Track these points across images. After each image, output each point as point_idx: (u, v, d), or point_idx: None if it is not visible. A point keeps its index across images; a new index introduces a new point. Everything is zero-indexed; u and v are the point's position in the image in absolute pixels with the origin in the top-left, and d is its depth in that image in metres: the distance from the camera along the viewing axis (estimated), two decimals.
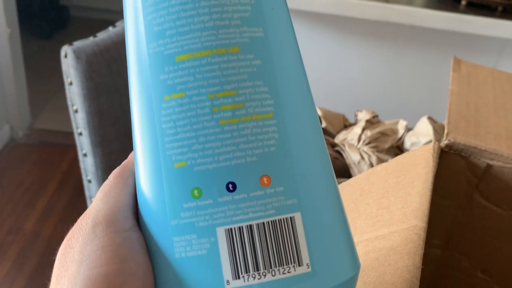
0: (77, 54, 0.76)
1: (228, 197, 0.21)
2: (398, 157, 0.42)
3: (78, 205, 1.51)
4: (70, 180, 1.66)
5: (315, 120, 0.23)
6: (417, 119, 0.83)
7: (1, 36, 1.69)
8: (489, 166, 0.40)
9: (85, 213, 0.22)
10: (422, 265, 0.28)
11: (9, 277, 1.33)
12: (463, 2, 1.32)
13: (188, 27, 0.21)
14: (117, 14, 2.79)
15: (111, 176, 0.23)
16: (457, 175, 0.41)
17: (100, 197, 0.22)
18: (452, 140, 0.40)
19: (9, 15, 1.72)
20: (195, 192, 0.21)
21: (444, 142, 0.40)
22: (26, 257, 1.39)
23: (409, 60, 1.40)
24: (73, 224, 0.23)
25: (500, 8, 1.30)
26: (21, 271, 1.35)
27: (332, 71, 1.41)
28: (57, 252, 0.22)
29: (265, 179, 0.21)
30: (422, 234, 0.29)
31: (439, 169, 0.41)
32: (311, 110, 0.23)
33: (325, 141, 0.24)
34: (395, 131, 0.80)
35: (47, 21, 2.52)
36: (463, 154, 0.40)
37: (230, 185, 0.21)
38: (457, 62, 0.52)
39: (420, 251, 0.28)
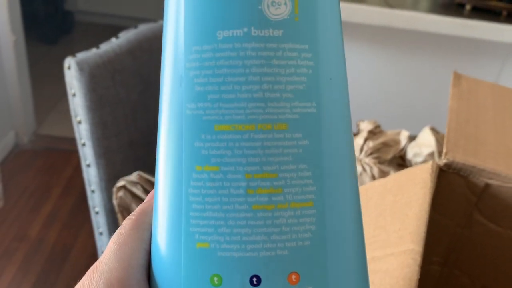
0: (80, 66, 0.77)
1: None
2: (397, 173, 0.42)
3: (82, 211, 1.52)
4: (75, 186, 1.67)
5: (357, 209, 0.21)
6: (421, 127, 0.83)
7: (6, 43, 1.70)
8: (487, 185, 0.40)
9: (96, 266, 0.21)
10: (421, 282, 0.28)
11: (14, 283, 1.34)
12: (467, 7, 1.31)
13: (233, 94, 0.19)
14: (122, 19, 2.81)
15: (127, 225, 0.22)
16: (456, 194, 0.41)
17: (114, 250, 0.21)
18: (450, 159, 0.40)
19: (14, 22, 1.74)
20: (215, 279, 0.19)
21: (442, 161, 0.40)
22: (31, 263, 1.40)
23: (413, 66, 1.40)
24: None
25: (504, 13, 1.29)
26: (26, 277, 1.35)
27: None
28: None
29: (293, 277, 0.19)
30: (418, 259, 0.29)
31: (438, 188, 0.41)
32: (354, 197, 0.21)
33: (363, 230, 0.21)
34: (397, 142, 0.80)
35: (52, 27, 2.54)
36: (461, 173, 0.40)
37: (255, 279, 0.19)
38: (457, 77, 0.52)
39: (415, 277, 0.28)
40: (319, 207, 0.19)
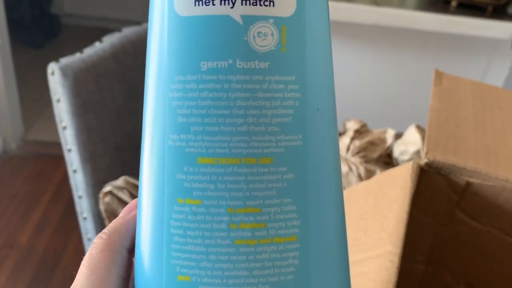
0: (64, 71, 0.76)
1: None
2: (379, 175, 0.42)
3: (72, 216, 1.51)
4: (64, 191, 1.66)
5: (342, 241, 0.21)
6: (408, 124, 0.83)
7: None
8: (468, 184, 0.40)
9: None
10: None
11: None
12: (453, 3, 1.32)
13: (217, 127, 0.18)
14: (108, 22, 2.79)
15: (99, 246, 0.21)
16: (437, 193, 0.42)
17: (86, 275, 0.20)
18: (431, 158, 0.40)
19: None
20: None
21: (423, 160, 0.40)
22: (21, 271, 1.39)
23: (400, 63, 1.40)
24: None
25: (490, 8, 1.30)
26: (17, 285, 1.34)
27: None
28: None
29: None
30: (396, 261, 0.30)
31: (420, 187, 0.41)
32: (340, 229, 0.20)
33: (349, 263, 0.21)
34: (383, 140, 0.80)
35: (38, 31, 2.52)
36: (442, 172, 0.40)
37: None
38: (439, 75, 0.52)
39: (393, 279, 0.28)
40: (303, 241, 0.19)
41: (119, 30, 0.90)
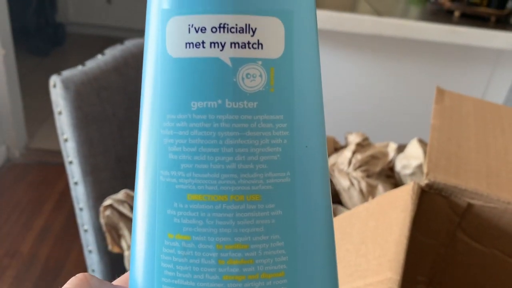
0: (66, 84, 0.77)
1: None
2: (379, 196, 0.42)
3: (74, 225, 1.51)
4: (67, 200, 1.66)
5: (332, 276, 0.21)
6: (412, 136, 0.83)
7: None
8: (470, 205, 0.40)
9: None
10: None
11: None
12: (456, 14, 1.32)
13: (206, 165, 0.19)
14: (112, 30, 2.81)
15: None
16: (439, 214, 0.41)
17: None
18: (432, 179, 0.40)
19: (3, 36, 1.73)
20: None
21: (424, 181, 0.40)
22: (24, 280, 1.39)
23: (403, 74, 1.40)
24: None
25: (493, 19, 1.30)
26: None
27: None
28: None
29: None
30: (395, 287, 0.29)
31: (421, 208, 0.41)
32: (330, 264, 0.21)
33: None
34: (385, 154, 0.80)
35: (43, 39, 2.54)
36: (443, 193, 0.40)
37: None
38: (441, 92, 0.52)
39: None
40: (291, 277, 0.19)
41: (123, 38, 0.90)
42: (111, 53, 0.85)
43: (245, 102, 0.19)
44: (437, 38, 1.26)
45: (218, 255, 0.19)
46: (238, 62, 0.19)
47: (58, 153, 1.86)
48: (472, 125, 0.47)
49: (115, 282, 0.23)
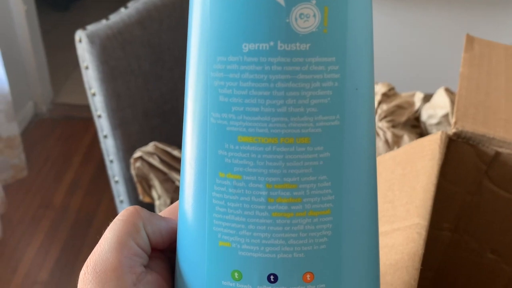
0: (91, 39, 0.77)
1: (268, 287, 0.20)
2: (406, 145, 0.42)
3: (103, 178, 1.56)
4: (94, 153, 1.71)
5: (374, 216, 0.22)
6: (437, 85, 0.82)
7: (18, 13, 1.70)
8: (497, 153, 0.40)
9: (90, 257, 0.22)
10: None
11: (43, 249, 1.39)
12: None
13: (257, 108, 0.19)
14: None
15: (125, 215, 0.22)
16: (466, 162, 0.42)
17: (108, 237, 0.22)
18: (460, 128, 0.40)
19: None
20: (236, 274, 0.21)
21: (452, 130, 0.40)
22: (57, 229, 1.45)
23: (427, 24, 1.36)
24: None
25: None
26: (54, 243, 1.41)
27: None
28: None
29: (308, 276, 0.20)
30: (424, 233, 0.30)
31: (448, 156, 0.41)
32: (371, 205, 0.22)
33: (378, 235, 0.22)
34: (411, 104, 0.79)
35: None
36: (471, 142, 0.40)
37: (272, 277, 0.20)
38: (470, 40, 0.51)
39: (420, 252, 0.29)
40: (336, 215, 0.20)
41: None
42: (134, 6, 0.85)
43: (298, 44, 0.19)
44: None
45: (268, 194, 0.20)
46: (292, 2, 0.18)
47: (84, 107, 1.89)
48: (502, 73, 0.47)
49: (162, 214, 0.24)
